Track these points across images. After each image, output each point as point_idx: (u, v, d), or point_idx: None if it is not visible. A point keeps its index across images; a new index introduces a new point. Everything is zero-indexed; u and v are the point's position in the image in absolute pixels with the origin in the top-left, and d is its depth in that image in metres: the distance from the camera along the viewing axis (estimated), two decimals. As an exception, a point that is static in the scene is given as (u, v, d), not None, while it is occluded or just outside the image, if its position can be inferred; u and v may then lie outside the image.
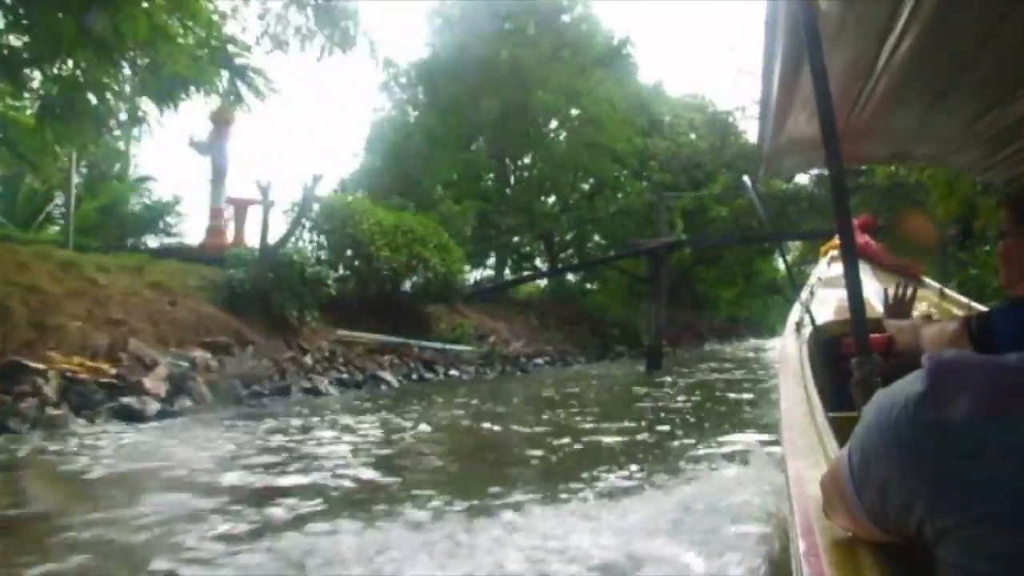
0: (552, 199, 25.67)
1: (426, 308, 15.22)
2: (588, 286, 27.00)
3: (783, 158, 2.63)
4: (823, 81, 1.35)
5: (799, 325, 2.80)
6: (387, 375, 11.95)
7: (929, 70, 1.66)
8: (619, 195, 24.65)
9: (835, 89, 1.49)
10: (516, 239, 24.47)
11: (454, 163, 22.35)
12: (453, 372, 13.74)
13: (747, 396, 10.63)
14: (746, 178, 2.90)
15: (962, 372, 0.65)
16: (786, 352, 2.53)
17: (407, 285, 14.35)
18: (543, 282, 25.57)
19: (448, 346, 14.36)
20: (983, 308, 2.22)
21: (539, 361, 16.83)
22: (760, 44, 1.66)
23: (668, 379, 13.58)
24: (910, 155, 2.57)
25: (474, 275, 23.05)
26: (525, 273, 25.51)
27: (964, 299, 3.19)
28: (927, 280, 3.64)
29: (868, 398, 1.08)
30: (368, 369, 11.91)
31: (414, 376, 12.71)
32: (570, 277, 26.98)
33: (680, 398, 10.57)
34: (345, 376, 11.27)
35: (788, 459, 1.42)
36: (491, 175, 25.11)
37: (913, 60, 1.59)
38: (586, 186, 26.17)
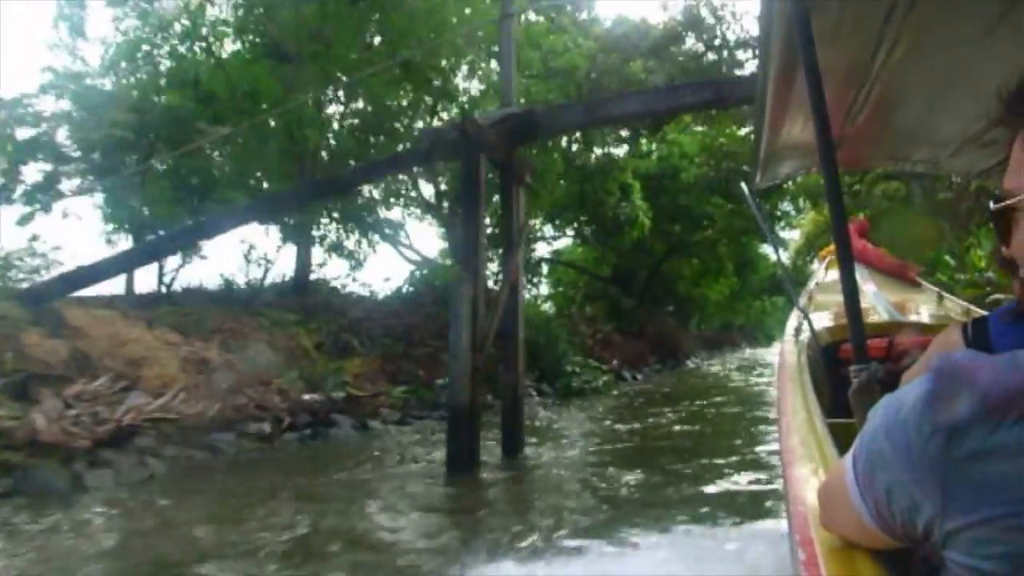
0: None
1: None
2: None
3: (780, 162, 2.64)
4: (816, 78, 1.34)
5: (798, 331, 2.80)
6: None
7: (924, 74, 1.66)
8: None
9: (830, 93, 1.49)
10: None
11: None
12: None
13: None
14: (744, 185, 2.89)
15: (970, 372, 0.65)
16: (785, 358, 2.53)
17: None
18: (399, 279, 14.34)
19: None
20: (982, 312, 2.23)
21: (224, 437, 7.75)
22: (756, 46, 1.65)
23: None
24: (906, 160, 2.58)
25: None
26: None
27: (963, 303, 3.21)
28: (925, 284, 3.66)
29: (867, 404, 1.08)
30: None
31: None
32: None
33: None
34: None
35: (787, 467, 1.42)
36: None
37: (908, 65, 1.59)
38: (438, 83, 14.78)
